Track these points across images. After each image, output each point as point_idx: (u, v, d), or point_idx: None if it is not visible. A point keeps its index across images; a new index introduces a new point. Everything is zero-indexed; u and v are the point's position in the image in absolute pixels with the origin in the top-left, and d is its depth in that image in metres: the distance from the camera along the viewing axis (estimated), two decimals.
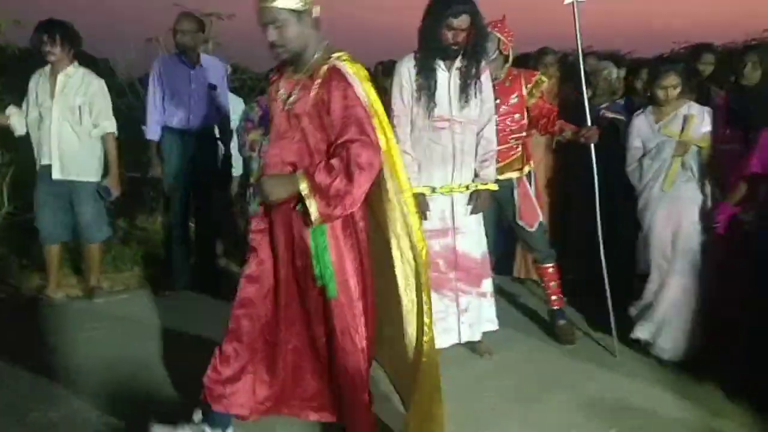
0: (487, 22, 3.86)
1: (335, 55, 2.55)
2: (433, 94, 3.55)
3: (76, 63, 4.53)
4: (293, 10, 2.46)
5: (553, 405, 3.38)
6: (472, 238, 3.79)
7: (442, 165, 3.64)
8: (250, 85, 6.98)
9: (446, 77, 3.59)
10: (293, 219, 2.57)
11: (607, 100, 4.91)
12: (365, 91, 2.51)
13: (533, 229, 4.10)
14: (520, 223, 4.09)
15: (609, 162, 4.09)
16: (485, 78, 3.67)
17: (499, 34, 3.94)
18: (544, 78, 4.15)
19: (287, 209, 2.57)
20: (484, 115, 3.70)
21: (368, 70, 2.68)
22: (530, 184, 4.23)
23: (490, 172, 3.76)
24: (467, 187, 3.72)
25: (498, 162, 3.94)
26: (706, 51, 5.22)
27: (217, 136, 5.07)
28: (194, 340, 4.04)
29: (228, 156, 5.25)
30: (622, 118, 4.64)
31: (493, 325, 3.93)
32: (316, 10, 2.56)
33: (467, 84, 3.57)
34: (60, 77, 4.47)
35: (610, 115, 4.64)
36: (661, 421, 3.26)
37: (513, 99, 4.01)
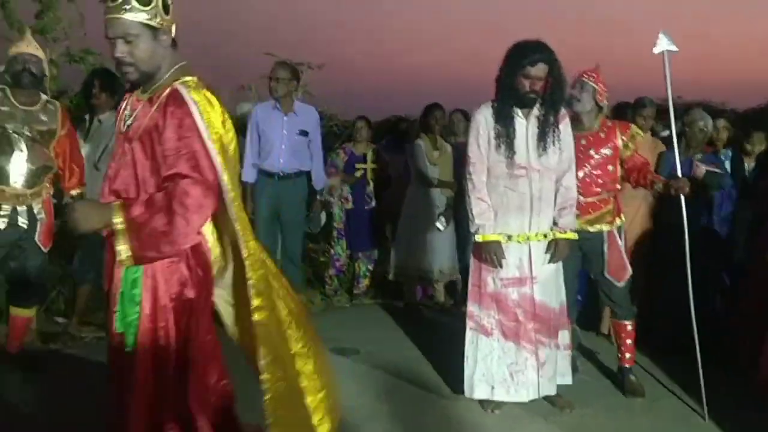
0: (581, 72, 3.91)
1: (182, 79, 2.25)
2: (512, 142, 3.55)
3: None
4: (147, 26, 2.18)
5: None
6: (550, 288, 3.71)
7: (519, 213, 3.61)
8: (336, 131, 7.18)
9: (524, 125, 3.59)
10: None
11: (699, 151, 4.75)
12: (208, 121, 2.17)
13: (621, 285, 4.00)
14: (608, 277, 3.98)
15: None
16: (564, 126, 3.64)
17: (593, 84, 3.89)
18: (639, 131, 4.07)
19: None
20: (563, 163, 3.66)
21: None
22: (621, 238, 4.09)
23: (569, 220, 3.69)
24: (545, 236, 3.66)
25: (589, 213, 3.91)
26: None
27: (312, 179, 5.25)
28: None
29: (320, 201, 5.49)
30: (717, 170, 4.49)
31: (567, 379, 3.82)
32: (173, 29, 2.29)
33: (545, 132, 3.56)
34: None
35: (704, 167, 4.47)
36: None
37: (606, 150, 3.94)
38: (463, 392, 3.77)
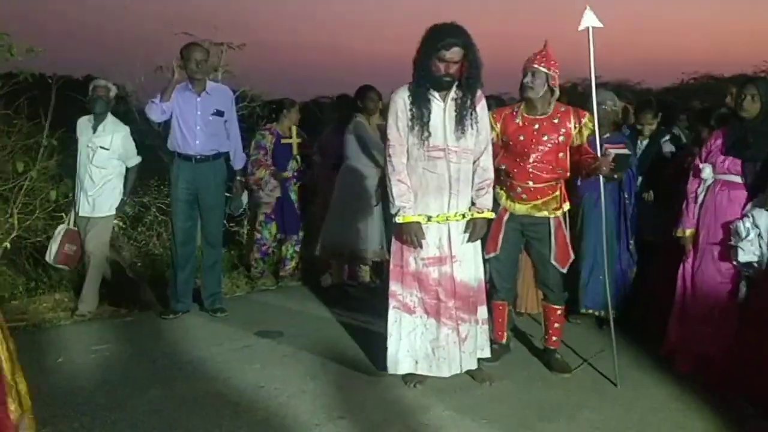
0: (532, 56, 3.88)
1: None
2: (428, 124, 3.59)
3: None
4: None
5: None
6: (469, 266, 3.81)
7: (438, 194, 3.67)
8: (259, 113, 7.08)
9: (441, 107, 3.63)
10: None
11: (607, 131, 4.91)
12: None
13: (563, 271, 4.09)
14: (553, 263, 4.05)
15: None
16: (481, 108, 3.71)
17: (545, 69, 3.88)
18: (591, 122, 3.98)
19: None
20: (480, 145, 3.73)
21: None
22: (566, 224, 4.14)
23: (486, 200, 3.77)
24: (463, 216, 3.74)
25: (537, 199, 3.98)
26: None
27: (230, 160, 5.18)
28: (193, 361, 4.14)
29: (241, 182, 5.40)
30: (625, 151, 4.66)
31: (486, 352, 3.96)
32: None
33: (463, 114, 3.61)
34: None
35: (613, 150, 4.59)
36: None
37: (560, 137, 3.95)
38: (386, 369, 3.84)
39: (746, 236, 3.70)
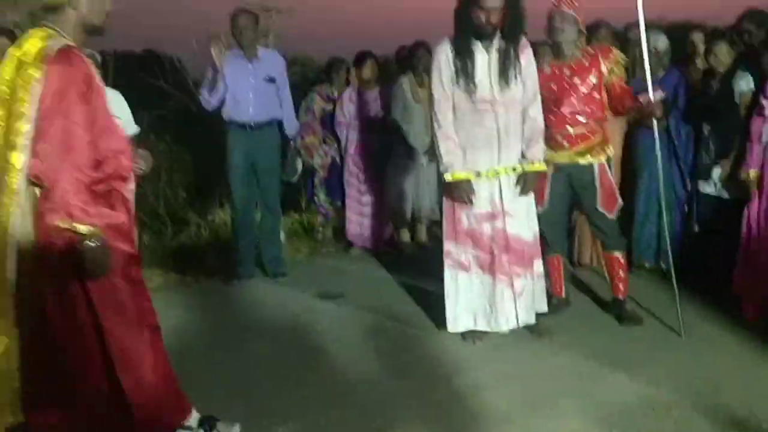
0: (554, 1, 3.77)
1: None
2: (473, 76, 3.53)
3: None
4: None
5: (611, 385, 3.32)
6: (522, 221, 3.75)
7: (487, 148, 3.62)
8: (312, 77, 7.09)
9: (485, 59, 3.56)
10: None
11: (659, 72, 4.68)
12: None
13: (612, 216, 4.00)
14: (600, 209, 3.96)
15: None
16: (526, 57, 3.62)
17: (573, 12, 3.78)
18: (623, 56, 3.93)
19: None
20: (527, 95, 3.65)
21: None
22: (610, 169, 4.04)
23: (537, 151, 3.70)
24: (514, 169, 3.69)
25: (578, 145, 3.89)
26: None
27: (284, 127, 5.19)
28: (257, 325, 4.27)
29: (295, 148, 5.41)
30: (664, 95, 4.36)
31: (543, 307, 3.92)
32: None
33: (507, 65, 3.54)
34: None
35: (659, 93, 4.29)
36: (719, 404, 3.14)
37: (592, 79, 3.85)
38: (446, 327, 3.85)
39: None
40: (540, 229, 3.91)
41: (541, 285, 3.89)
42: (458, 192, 3.63)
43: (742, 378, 3.36)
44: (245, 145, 4.98)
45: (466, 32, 3.52)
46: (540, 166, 3.72)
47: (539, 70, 3.82)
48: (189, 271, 5.40)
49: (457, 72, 3.54)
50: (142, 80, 5.25)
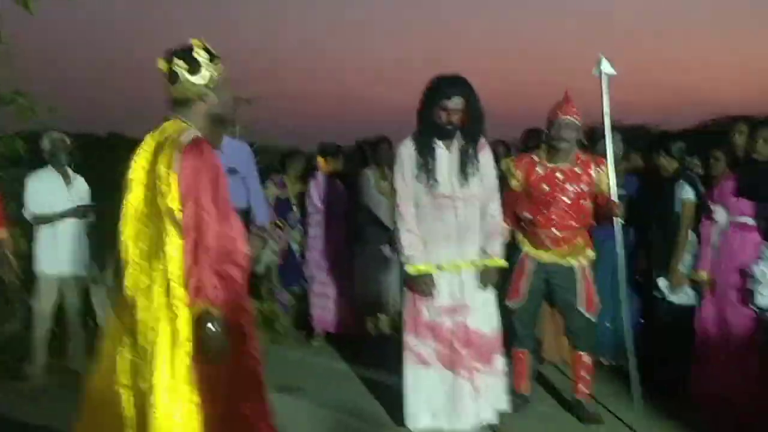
0: (559, 108, 3.88)
1: None
2: (433, 172, 3.62)
3: None
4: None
5: None
6: (483, 315, 3.76)
7: (448, 242, 3.67)
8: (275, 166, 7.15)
9: (445, 156, 3.67)
10: None
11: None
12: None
13: (590, 317, 4.03)
14: (581, 309, 3.99)
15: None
16: (484, 155, 3.74)
17: (576, 120, 3.90)
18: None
19: None
20: (486, 191, 3.74)
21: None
22: (591, 270, 4.09)
23: (496, 246, 3.76)
24: (474, 263, 3.72)
25: (562, 246, 3.96)
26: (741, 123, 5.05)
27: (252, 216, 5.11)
28: None
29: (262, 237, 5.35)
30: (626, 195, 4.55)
31: (504, 405, 3.86)
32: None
33: (466, 162, 3.65)
34: None
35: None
36: None
37: (583, 186, 3.96)
38: (405, 424, 3.77)
39: (763, 280, 3.63)
40: (511, 323, 3.94)
41: (502, 381, 3.85)
42: (419, 284, 3.65)
43: None
44: None
45: (428, 130, 3.64)
46: (499, 261, 3.77)
47: (532, 167, 3.95)
48: None
49: (419, 167, 3.63)
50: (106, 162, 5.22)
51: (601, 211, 4.03)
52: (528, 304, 4.06)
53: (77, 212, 4.79)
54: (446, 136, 3.63)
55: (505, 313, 4.04)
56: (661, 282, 4.41)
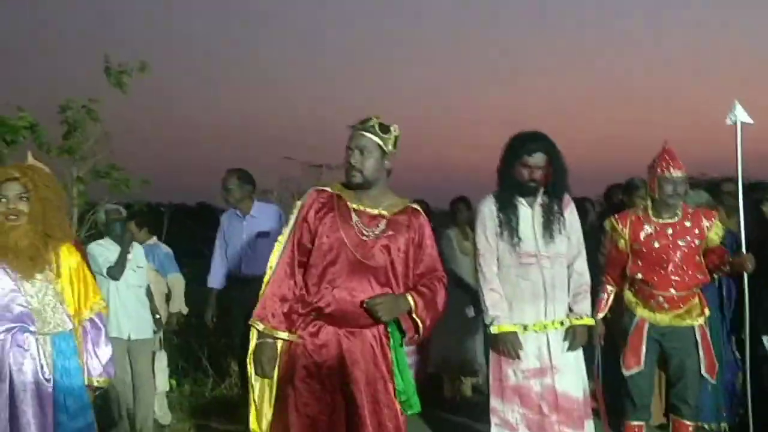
0: (665, 161, 3.81)
1: (410, 203, 2.98)
2: (517, 230, 3.56)
3: None
4: (380, 147, 2.81)
5: None
6: (572, 377, 3.61)
7: (533, 301, 3.57)
8: None
9: (529, 213, 3.61)
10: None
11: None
12: None
13: (713, 382, 3.89)
14: (705, 374, 3.83)
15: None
16: (569, 212, 3.66)
17: (683, 174, 3.83)
18: (720, 221, 3.95)
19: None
20: (572, 249, 3.65)
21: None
22: (708, 332, 3.96)
23: (584, 306, 3.63)
24: (561, 323, 3.60)
25: (680, 308, 3.85)
26: None
27: None
28: None
29: None
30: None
31: None
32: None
33: (550, 219, 3.58)
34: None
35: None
36: None
37: (696, 240, 3.85)
38: None
39: None
40: (628, 392, 3.86)
41: None
42: (505, 345, 3.54)
43: None
44: (239, 297, 4.85)
45: (509, 188, 3.60)
46: (588, 321, 3.63)
47: (639, 225, 3.89)
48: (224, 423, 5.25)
49: (501, 225, 3.59)
50: (195, 230, 5.45)
51: (711, 262, 3.87)
52: (647, 371, 3.91)
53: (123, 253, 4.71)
54: (528, 193, 3.58)
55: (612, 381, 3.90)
56: (766, 339, 4.13)
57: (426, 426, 5.19)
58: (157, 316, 5.03)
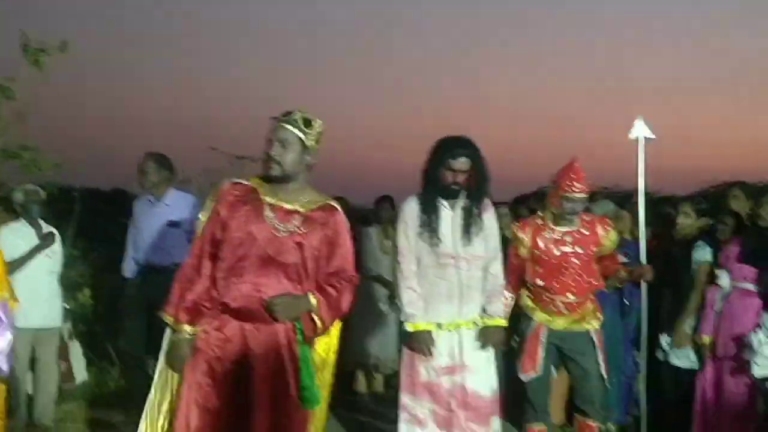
0: (568, 178, 3.82)
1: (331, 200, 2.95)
2: (437, 231, 3.63)
3: None
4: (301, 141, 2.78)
5: None
6: (482, 376, 3.72)
7: (449, 301, 3.66)
8: None
9: (449, 215, 3.68)
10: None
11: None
12: None
13: (608, 384, 3.99)
14: (603, 373, 3.93)
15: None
16: (489, 216, 3.75)
17: (584, 195, 3.87)
18: (615, 230, 4.06)
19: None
20: (489, 252, 3.74)
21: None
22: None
23: (497, 307, 3.74)
24: (475, 323, 3.71)
25: (576, 312, 3.95)
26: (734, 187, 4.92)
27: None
28: None
29: None
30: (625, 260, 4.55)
31: None
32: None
33: (470, 222, 3.66)
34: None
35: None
36: None
37: (593, 247, 3.96)
38: None
39: (759, 350, 3.62)
40: (527, 397, 3.95)
41: None
42: (418, 343, 3.61)
43: None
44: (142, 284, 4.74)
45: (432, 190, 3.66)
46: (500, 321, 3.74)
47: (539, 232, 3.96)
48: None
49: (422, 226, 3.64)
50: (109, 216, 5.26)
51: (605, 269, 4.01)
52: (544, 375, 4.00)
53: (43, 244, 4.62)
54: (451, 196, 3.66)
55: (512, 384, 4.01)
56: (664, 339, 4.38)
57: (337, 422, 5.23)
58: (67, 306, 4.85)
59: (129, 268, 4.94)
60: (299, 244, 2.77)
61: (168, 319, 2.79)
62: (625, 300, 4.75)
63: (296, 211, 2.81)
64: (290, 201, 2.82)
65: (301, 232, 2.77)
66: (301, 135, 2.77)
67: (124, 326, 4.81)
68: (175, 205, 4.84)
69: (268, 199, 2.80)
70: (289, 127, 2.77)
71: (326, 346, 3.09)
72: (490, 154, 3.69)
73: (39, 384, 4.65)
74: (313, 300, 2.78)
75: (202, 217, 2.95)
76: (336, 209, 2.92)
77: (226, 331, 2.74)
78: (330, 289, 2.84)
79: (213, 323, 2.76)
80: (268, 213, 2.77)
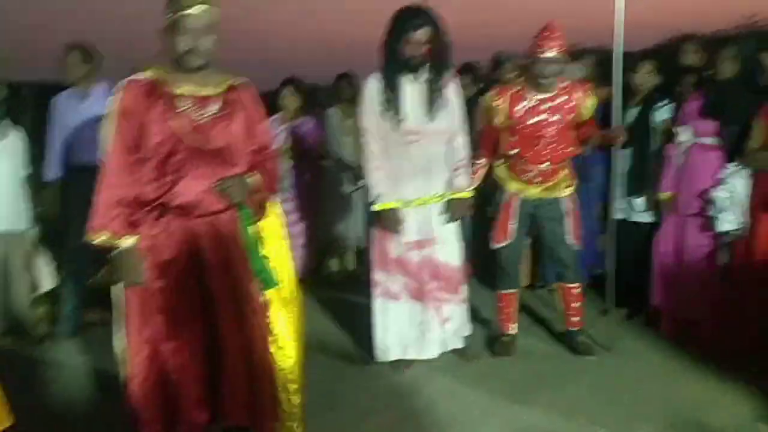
0: (542, 39, 3.68)
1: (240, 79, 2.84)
2: (400, 108, 3.58)
3: None
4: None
5: (539, 404, 3.42)
6: (451, 247, 3.82)
7: (415, 177, 3.67)
8: None
9: (412, 90, 3.62)
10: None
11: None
12: None
13: (578, 248, 4.05)
14: (569, 240, 3.99)
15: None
16: (452, 89, 3.70)
17: (559, 55, 3.69)
18: (594, 94, 3.93)
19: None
20: (453, 126, 3.72)
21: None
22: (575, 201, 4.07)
23: (463, 180, 3.77)
24: (441, 197, 3.75)
25: (550, 180, 3.92)
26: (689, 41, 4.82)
27: None
28: None
29: None
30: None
31: (466, 330, 3.99)
32: None
33: (433, 96, 3.60)
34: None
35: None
36: (645, 416, 3.27)
37: (570, 114, 3.86)
38: (375, 358, 3.86)
39: (723, 205, 3.72)
40: (497, 264, 4.04)
41: (466, 309, 3.96)
42: (387, 221, 3.66)
43: (663, 389, 3.52)
44: (76, 186, 4.45)
45: (393, 64, 3.56)
46: (466, 194, 3.78)
47: (517, 100, 3.84)
48: None
49: (384, 103, 3.58)
50: None
51: (583, 134, 3.95)
52: (516, 243, 4.04)
53: None
54: (412, 69, 3.57)
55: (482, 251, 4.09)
56: (639, 201, 4.46)
57: (313, 301, 5.36)
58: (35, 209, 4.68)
59: (52, 170, 4.61)
60: (223, 128, 2.68)
61: (103, 236, 2.60)
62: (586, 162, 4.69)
63: (211, 96, 2.70)
64: (202, 86, 2.68)
65: (221, 115, 2.68)
66: (213, 13, 2.59)
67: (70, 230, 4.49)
68: (102, 99, 4.35)
69: (177, 90, 2.63)
70: (201, 8, 2.56)
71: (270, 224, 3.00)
72: (453, 22, 3.59)
73: (11, 291, 4.61)
74: (254, 179, 2.77)
75: (106, 129, 2.68)
76: (246, 86, 2.82)
77: (171, 231, 2.66)
78: (263, 168, 2.82)
79: (153, 228, 2.65)
80: (182, 104, 2.63)
